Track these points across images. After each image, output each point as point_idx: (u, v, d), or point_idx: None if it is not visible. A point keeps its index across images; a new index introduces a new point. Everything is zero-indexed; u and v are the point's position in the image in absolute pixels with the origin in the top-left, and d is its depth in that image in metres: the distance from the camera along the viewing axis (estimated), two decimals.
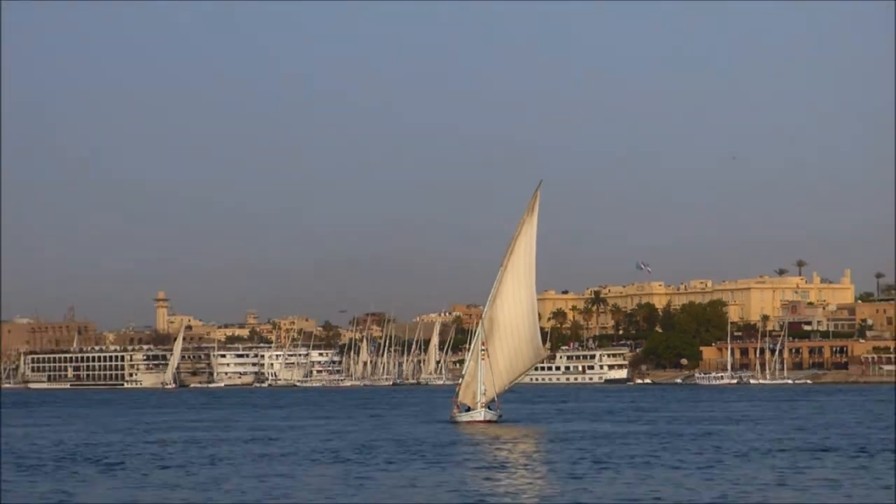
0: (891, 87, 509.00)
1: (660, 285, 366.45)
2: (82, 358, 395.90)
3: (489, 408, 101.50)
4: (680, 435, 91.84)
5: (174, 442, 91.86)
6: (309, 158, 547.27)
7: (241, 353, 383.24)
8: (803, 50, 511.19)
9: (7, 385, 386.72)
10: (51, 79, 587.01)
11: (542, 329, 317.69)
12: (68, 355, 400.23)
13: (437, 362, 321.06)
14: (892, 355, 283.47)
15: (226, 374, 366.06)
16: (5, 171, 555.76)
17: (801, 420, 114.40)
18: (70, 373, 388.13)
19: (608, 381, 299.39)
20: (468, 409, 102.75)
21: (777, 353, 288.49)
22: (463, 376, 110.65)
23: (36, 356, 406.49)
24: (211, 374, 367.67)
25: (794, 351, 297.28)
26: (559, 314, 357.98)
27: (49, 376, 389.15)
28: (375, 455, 75.19)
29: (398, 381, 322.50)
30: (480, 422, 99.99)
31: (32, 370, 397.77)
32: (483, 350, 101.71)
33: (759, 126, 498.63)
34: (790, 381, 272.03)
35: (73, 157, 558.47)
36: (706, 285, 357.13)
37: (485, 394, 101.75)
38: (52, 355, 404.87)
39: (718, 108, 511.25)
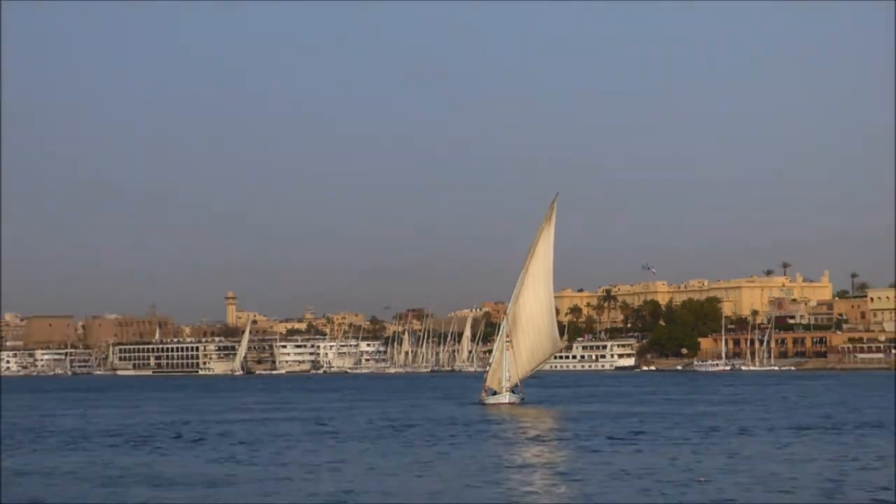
0: (891, 88, 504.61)
1: (663, 284, 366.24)
2: (163, 349, 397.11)
3: (513, 391, 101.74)
4: (680, 414, 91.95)
5: (242, 420, 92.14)
6: (358, 175, 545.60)
7: (299, 344, 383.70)
8: (800, 52, 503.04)
9: (98, 372, 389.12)
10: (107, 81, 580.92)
11: (559, 323, 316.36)
12: (151, 346, 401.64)
13: (469, 352, 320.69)
14: (864, 345, 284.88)
15: (286, 362, 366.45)
16: (101, 186, 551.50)
17: (782, 401, 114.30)
18: (152, 361, 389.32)
19: (618, 368, 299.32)
20: (494, 393, 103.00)
21: (765, 343, 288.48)
22: (490, 364, 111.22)
23: (123, 347, 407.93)
24: (273, 362, 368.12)
25: (779, 341, 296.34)
26: (575, 310, 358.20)
27: (134, 364, 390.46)
28: (414, 431, 75.45)
29: (435, 368, 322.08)
30: (505, 404, 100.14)
31: (120, 359, 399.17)
32: (507, 342, 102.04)
33: (752, 139, 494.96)
34: (776, 368, 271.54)
35: (160, 177, 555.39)
36: (703, 284, 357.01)
37: (509, 379, 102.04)
38: (136, 346, 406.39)
39: (713, 121, 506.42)
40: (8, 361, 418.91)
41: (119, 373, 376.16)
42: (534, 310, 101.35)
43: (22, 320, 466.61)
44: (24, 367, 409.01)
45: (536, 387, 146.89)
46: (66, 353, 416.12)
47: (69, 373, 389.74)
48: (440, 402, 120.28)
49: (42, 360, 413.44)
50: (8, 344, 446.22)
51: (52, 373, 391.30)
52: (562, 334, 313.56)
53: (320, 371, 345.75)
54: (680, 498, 40.32)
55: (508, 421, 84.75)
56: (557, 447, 63.08)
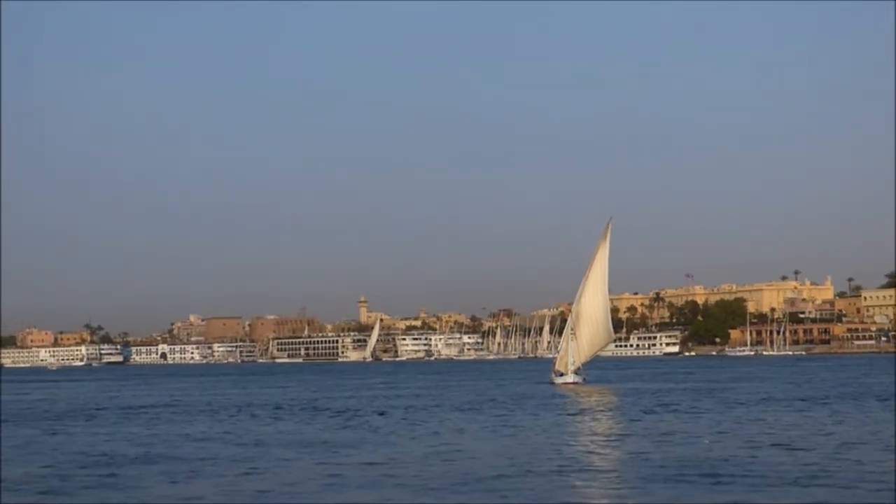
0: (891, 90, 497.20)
1: (700, 288, 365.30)
2: (310, 341, 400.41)
3: (577, 373, 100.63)
4: (710, 390, 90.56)
5: (367, 397, 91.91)
6: (456, 187, 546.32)
7: (416, 337, 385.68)
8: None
9: (261, 360, 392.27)
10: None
11: (619, 318, 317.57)
12: (301, 339, 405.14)
13: (548, 342, 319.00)
14: (859, 334, 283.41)
15: (406, 351, 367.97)
16: (264, 210, 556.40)
17: (791, 379, 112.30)
18: (302, 351, 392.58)
19: (665, 354, 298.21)
20: (561, 374, 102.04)
21: (781, 333, 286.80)
22: (558, 351, 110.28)
23: (280, 340, 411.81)
24: (396, 351, 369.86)
25: (793, 332, 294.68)
26: (632, 309, 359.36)
27: (288, 354, 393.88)
28: (496, 405, 74.79)
29: (522, 355, 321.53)
30: (570, 383, 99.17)
31: (277, 350, 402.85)
32: (572, 333, 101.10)
33: (766, 169, 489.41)
34: (790, 353, 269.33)
35: (318, 199, 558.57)
36: (732, 288, 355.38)
37: (573, 363, 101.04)
38: (290, 340, 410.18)
39: (746, 152, 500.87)
40: (192, 353, 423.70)
41: (277, 361, 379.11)
42: (593, 308, 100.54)
43: (202, 321, 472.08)
44: (204, 357, 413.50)
45: (598, 369, 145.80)
46: (236, 346, 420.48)
47: (239, 361, 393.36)
48: (520, 381, 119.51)
49: (218, 351, 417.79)
50: (192, 339, 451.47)
51: (225, 361, 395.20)
52: (621, 328, 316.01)
53: (432, 358, 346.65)
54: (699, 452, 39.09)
55: (571, 395, 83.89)
56: (610, 415, 61.97)
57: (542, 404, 73.46)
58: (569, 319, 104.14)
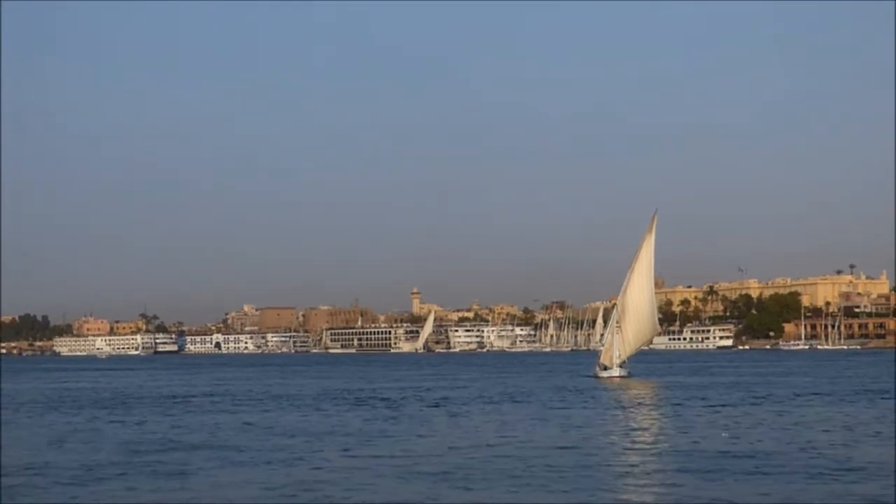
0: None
1: (754, 282, 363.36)
2: (363, 332, 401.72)
3: (621, 367, 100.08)
4: (750, 385, 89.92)
5: (427, 388, 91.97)
6: (510, 178, 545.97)
7: (468, 329, 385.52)
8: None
9: (314, 350, 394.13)
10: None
11: (672, 312, 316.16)
12: (354, 330, 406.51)
13: (601, 335, 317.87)
14: None
15: (458, 342, 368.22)
16: (326, 207, 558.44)
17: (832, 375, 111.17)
18: (355, 342, 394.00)
19: (719, 348, 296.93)
20: (605, 368, 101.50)
21: (836, 327, 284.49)
22: (603, 344, 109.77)
23: (333, 331, 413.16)
24: (448, 343, 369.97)
25: (847, 326, 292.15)
26: (685, 302, 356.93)
27: (342, 344, 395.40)
28: (538, 397, 74.68)
29: (574, 347, 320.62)
30: (616, 377, 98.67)
31: (331, 340, 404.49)
32: (617, 326, 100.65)
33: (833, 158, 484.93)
34: (845, 347, 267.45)
35: (371, 197, 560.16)
36: (786, 282, 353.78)
37: (619, 357, 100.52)
38: (344, 330, 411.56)
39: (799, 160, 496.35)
40: (246, 342, 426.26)
41: (330, 351, 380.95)
42: (638, 301, 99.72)
43: (257, 311, 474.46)
44: (258, 347, 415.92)
45: (647, 363, 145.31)
46: (290, 336, 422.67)
47: (292, 351, 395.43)
48: (563, 375, 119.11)
49: (272, 341, 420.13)
50: (246, 329, 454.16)
51: (279, 351, 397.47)
52: (674, 321, 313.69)
53: (484, 350, 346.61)
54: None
55: (615, 388, 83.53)
56: (650, 408, 61.61)
57: (585, 397, 73.21)
58: (614, 312, 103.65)
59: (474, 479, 31.68)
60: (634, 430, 47.90)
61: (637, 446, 40.80)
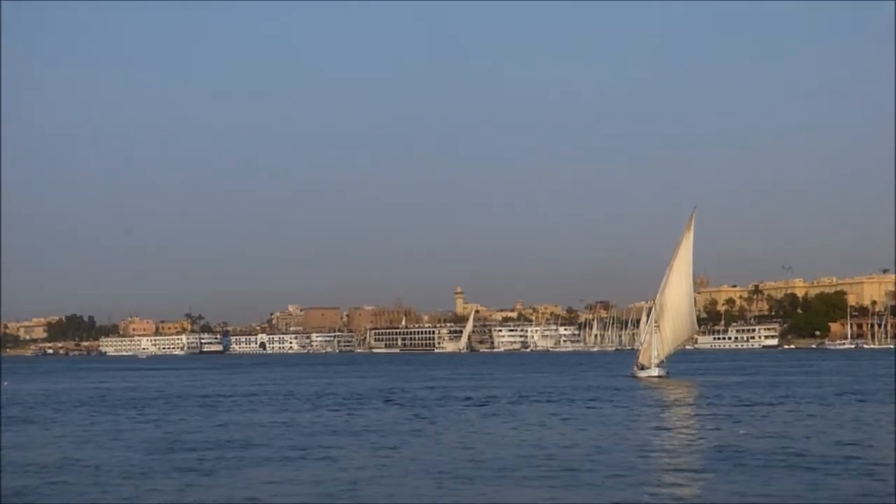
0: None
1: (800, 281, 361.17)
2: (407, 332, 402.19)
3: (660, 366, 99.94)
4: (784, 383, 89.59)
5: (442, 388, 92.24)
6: (553, 177, 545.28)
7: (512, 328, 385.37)
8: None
9: (358, 350, 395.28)
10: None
11: (717, 311, 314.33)
12: (398, 330, 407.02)
13: (646, 335, 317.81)
14: None
15: (502, 342, 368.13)
16: (366, 208, 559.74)
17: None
18: (399, 342, 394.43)
19: (764, 347, 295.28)
20: (643, 368, 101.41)
21: (882, 326, 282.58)
22: (642, 344, 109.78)
23: (378, 331, 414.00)
24: (492, 342, 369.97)
25: (894, 325, 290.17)
26: (730, 301, 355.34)
27: (385, 344, 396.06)
28: (575, 396, 74.83)
29: (619, 347, 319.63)
30: (654, 376, 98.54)
31: (375, 340, 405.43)
32: (655, 326, 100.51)
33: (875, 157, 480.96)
34: (892, 346, 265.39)
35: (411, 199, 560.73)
36: (832, 281, 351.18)
37: (657, 356, 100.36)
38: (388, 330, 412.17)
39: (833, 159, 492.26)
40: (290, 342, 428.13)
41: (374, 351, 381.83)
42: (676, 300, 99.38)
43: (301, 311, 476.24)
44: (303, 347, 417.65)
45: (688, 362, 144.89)
46: (334, 336, 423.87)
47: (337, 351, 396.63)
48: (603, 374, 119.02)
49: (316, 341, 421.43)
50: (291, 329, 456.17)
51: (323, 351, 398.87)
52: (719, 321, 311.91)
53: (528, 350, 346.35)
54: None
55: (654, 388, 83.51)
56: (687, 409, 61.62)
57: (623, 396, 73.32)
58: (652, 311, 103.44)
59: (512, 477, 32.05)
60: (663, 429, 48.02)
61: (667, 445, 40.96)
